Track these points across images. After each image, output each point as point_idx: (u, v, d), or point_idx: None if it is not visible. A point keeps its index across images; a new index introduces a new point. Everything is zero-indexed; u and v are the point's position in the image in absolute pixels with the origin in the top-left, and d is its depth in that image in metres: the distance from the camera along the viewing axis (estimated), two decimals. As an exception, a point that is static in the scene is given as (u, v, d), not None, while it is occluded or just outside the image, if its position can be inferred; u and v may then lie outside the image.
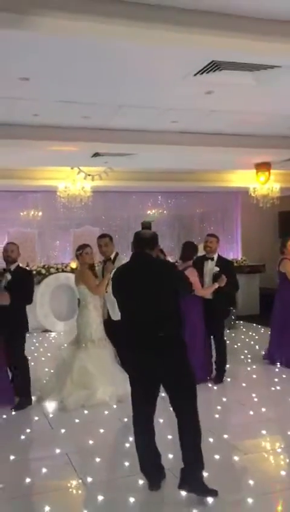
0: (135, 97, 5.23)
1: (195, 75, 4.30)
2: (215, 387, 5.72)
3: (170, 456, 3.66)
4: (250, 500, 3.25)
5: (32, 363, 6.58)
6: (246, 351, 7.55)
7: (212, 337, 6.04)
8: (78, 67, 4.22)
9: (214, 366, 6.02)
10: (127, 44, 3.75)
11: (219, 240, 6.08)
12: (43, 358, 7.06)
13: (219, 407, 5.07)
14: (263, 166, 8.67)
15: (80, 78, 4.53)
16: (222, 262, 5.93)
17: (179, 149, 7.14)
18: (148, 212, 11.87)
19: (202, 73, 4.24)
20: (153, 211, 11.91)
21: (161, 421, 3.58)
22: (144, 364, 3.32)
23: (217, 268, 5.72)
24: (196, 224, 12.23)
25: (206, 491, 3.24)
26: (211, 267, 5.83)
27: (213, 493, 3.24)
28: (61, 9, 3.34)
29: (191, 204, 12.08)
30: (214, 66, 4.09)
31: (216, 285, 5.60)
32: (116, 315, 3.96)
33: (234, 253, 12.30)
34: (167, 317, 3.32)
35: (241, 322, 10.02)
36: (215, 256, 5.96)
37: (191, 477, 3.23)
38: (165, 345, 3.28)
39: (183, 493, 3.26)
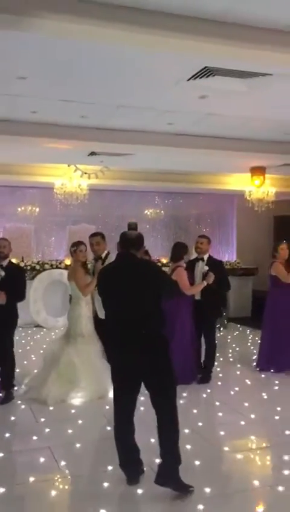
0: (132, 98, 5.31)
1: (189, 79, 4.38)
2: (201, 387, 5.78)
3: (149, 451, 3.73)
4: (227, 496, 3.34)
5: (22, 358, 6.68)
6: (235, 353, 7.63)
7: (203, 337, 6.13)
8: (75, 67, 4.28)
9: (202, 366, 6.10)
10: (123, 48, 3.83)
11: (210, 241, 6.17)
12: (32, 356, 7.13)
13: (204, 407, 5.16)
14: (258, 170, 8.75)
15: (77, 78, 4.60)
16: (212, 262, 6.03)
17: (175, 151, 7.21)
18: (145, 211, 11.97)
19: (195, 78, 4.32)
20: (151, 211, 12.02)
21: (141, 417, 3.65)
22: (126, 361, 3.40)
23: (207, 268, 5.81)
24: (192, 225, 12.32)
25: (182, 487, 3.33)
26: (201, 267, 5.91)
27: (189, 489, 3.33)
28: (61, 12, 3.40)
29: (188, 205, 12.17)
30: (207, 72, 4.16)
31: (204, 283, 5.68)
32: (102, 313, 4.05)
33: (228, 255, 12.40)
34: (150, 316, 3.39)
35: (233, 323, 10.11)
36: (206, 257, 6.05)
37: (168, 472, 3.31)
38: (147, 343, 3.36)
39: (161, 488, 3.34)
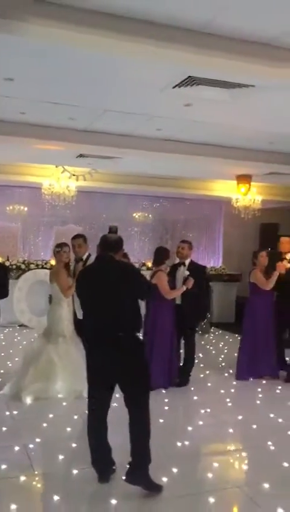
0: (120, 103, 5.39)
1: (174, 87, 4.47)
2: (179, 391, 5.84)
3: (121, 450, 3.79)
4: (198, 496, 3.42)
5: (5, 356, 6.72)
6: (216, 358, 7.69)
7: (183, 341, 6.19)
8: (62, 70, 4.35)
9: (180, 369, 6.16)
10: (108, 55, 3.91)
11: (192, 246, 6.25)
12: (10, 351, 7.16)
13: (181, 410, 5.23)
14: (244, 178, 8.88)
15: (65, 81, 4.67)
16: (194, 267, 6.12)
17: (163, 156, 7.31)
18: (133, 214, 12.06)
19: (180, 86, 4.41)
20: (139, 214, 12.11)
21: (114, 416, 3.71)
22: (102, 362, 3.46)
23: (187, 272, 5.90)
24: (180, 230, 12.43)
25: (152, 485, 3.41)
26: (182, 272, 6.00)
27: (158, 488, 3.41)
28: (48, 18, 3.46)
29: (176, 210, 12.28)
30: (191, 81, 4.25)
31: (184, 288, 5.77)
32: (81, 313, 4.12)
33: (214, 261, 12.53)
34: (126, 318, 3.46)
35: (216, 328, 10.20)
36: (188, 262, 6.14)
37: (138, 471, 3.38)
38: (123, 345, 3.43)
39: (131, 486, 3.40)
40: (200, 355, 7.25)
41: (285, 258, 6.47)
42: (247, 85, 4.30)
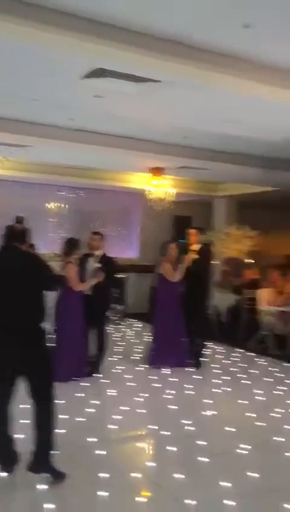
0: (31, 90, 5.26)
1: (83, 78, 4.47)
2: (90, 380, 5.90)
3: (25, 441, 3.77)
4: (101, 481, 3.51)
5: None
6: (129, 347, 7.83)
7: (95, 332, 6.23)
8: None
9: (92, 359, 6.21)
10: (22, 43, 3.83)
11: (104, 237, 6.30)
12: None
13: (90, 399, 5.28)
14: (157, 171, 9.06)
15: None
16: (104, 259, 6.17)
17: (74, 146, 7.26)
18: (47, 205, 11.83)
19: (90, 77, 4.42)
20: (54, 205, 11.91)
21: (18, 408, 3.69)
22: (6, 353, 3.41)
23: (98, 265, 5.94)
24: (96, 221, 12.40)
25: (56, 473, 3.43)
26: (92, 264, 6.03)
27: (62, 476, 3.44)
28: None
29: (92, 201, 12.21)
30: (100, 73, 4.28)
31: (94, 280, 5.81)
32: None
33: (131, 252, 12.68)
34: (31, 309, 3.44)
35: (131, 319, 10.38)
36: (99, 253, 6.18)
37: (41, 460, 3.40)
38: (28, 336, 3.41)
39: (36, 475, 3.41)
40: (113, 345, 7.34)
41: (192, 249, 6.70)
42: (154, 80, 4.40)
